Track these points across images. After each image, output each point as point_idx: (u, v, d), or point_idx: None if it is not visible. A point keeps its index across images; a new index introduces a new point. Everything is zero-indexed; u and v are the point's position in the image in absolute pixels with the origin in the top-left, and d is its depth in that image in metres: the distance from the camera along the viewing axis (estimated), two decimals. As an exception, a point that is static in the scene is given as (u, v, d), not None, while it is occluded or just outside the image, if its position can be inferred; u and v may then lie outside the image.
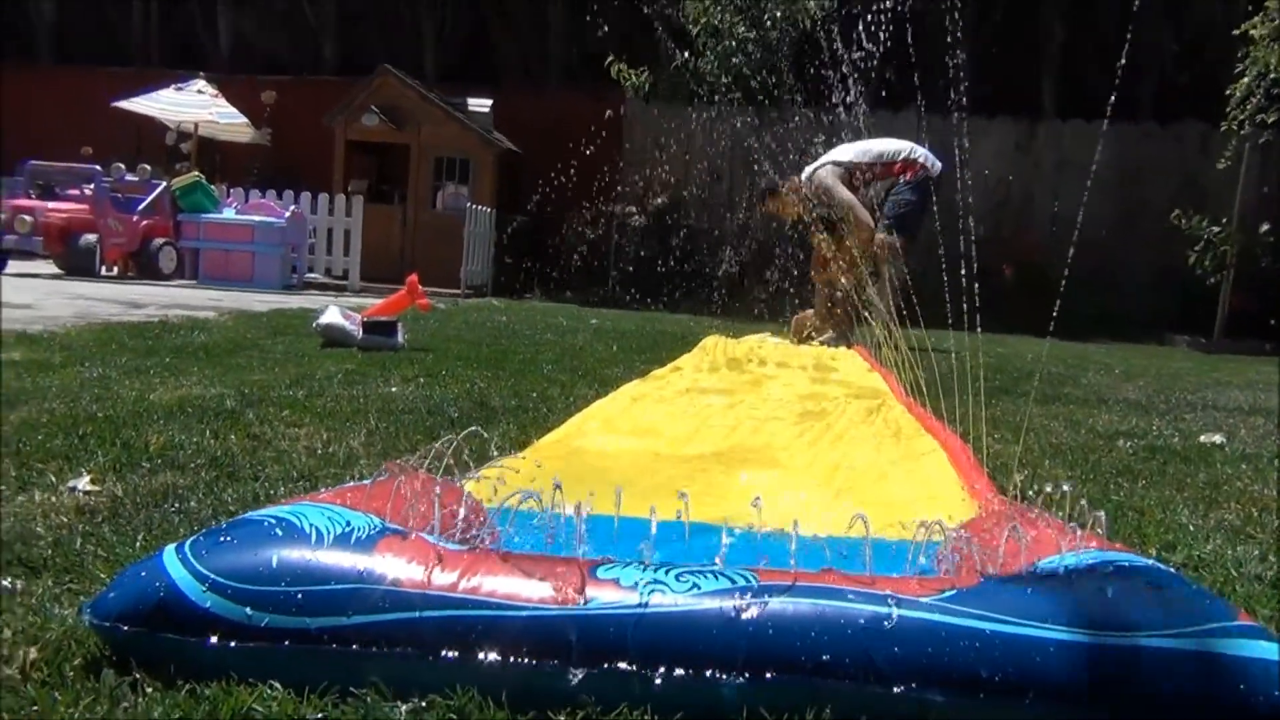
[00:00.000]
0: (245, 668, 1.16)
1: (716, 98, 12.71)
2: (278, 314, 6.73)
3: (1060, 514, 1.57)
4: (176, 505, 1.90)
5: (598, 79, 13.83)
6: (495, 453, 2.26)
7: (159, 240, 10.53)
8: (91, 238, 9.94)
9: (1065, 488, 1.57)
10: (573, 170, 13.31)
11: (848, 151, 6.78)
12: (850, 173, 6.62)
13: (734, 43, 12.60)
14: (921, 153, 6.64)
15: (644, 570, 1.25)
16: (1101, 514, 1.51)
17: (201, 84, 12.98)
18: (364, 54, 16.55)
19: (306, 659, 1.17)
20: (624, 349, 5.78)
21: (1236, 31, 9.53)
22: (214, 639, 1.17)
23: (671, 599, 1.20)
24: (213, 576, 1.21)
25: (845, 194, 6.50)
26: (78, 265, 9.82)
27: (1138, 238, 11.82)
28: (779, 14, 12.54)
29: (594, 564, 1.27)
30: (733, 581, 1.23)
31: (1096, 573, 1.27)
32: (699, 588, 1.22)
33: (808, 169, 6.84)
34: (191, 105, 12.66)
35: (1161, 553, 1.94)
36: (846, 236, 6.37)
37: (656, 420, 3.11)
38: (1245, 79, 9.37)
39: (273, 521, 1.30)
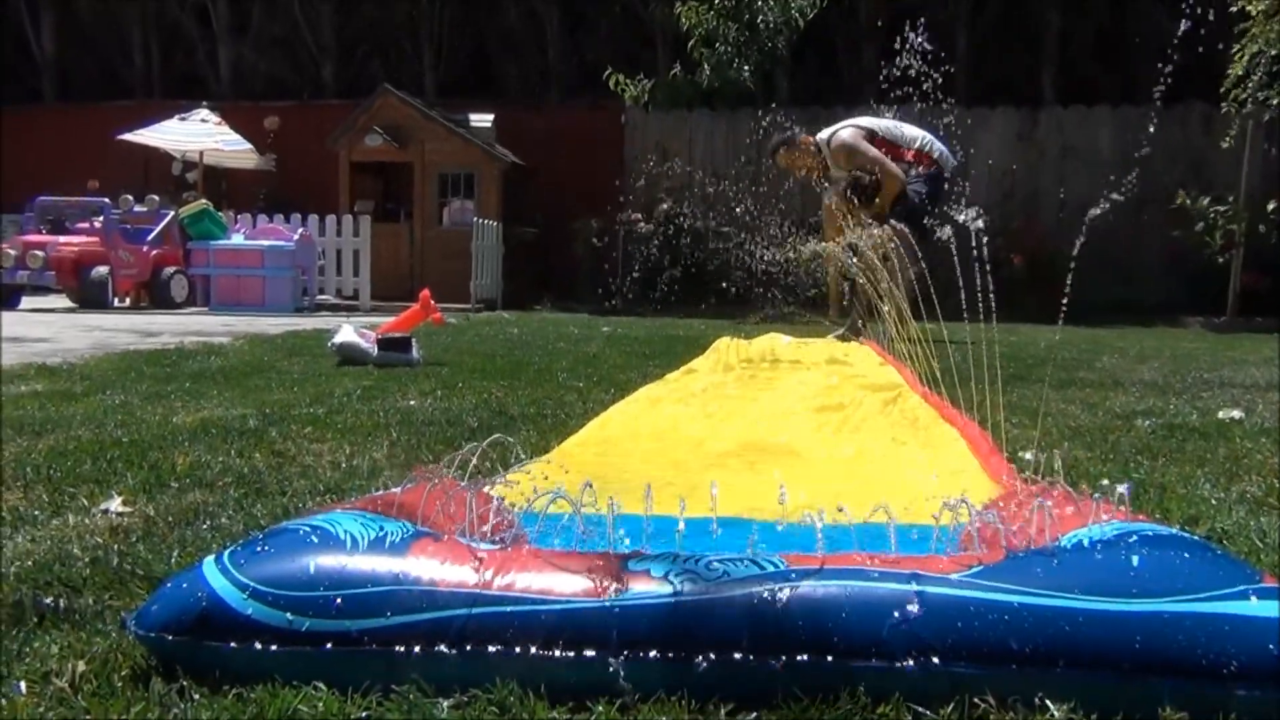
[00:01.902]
0: (289, 671, 1.19)
1: (716, 104, 12.77)
2: (292, 336, 6.78)
3: (1082, 490, 1.59)
4: (208, 522, 1.93)
5: (597, 89, 13.90)
6: (518, 459, 2.28)
7: (170, 269, 10.62)
8: (104, 270, 10.02)
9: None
10: (577, 180, 13.39)
11: (870, 121, 6.77)
12: (871, 137, 6.60)
13: (729, 48, 12.64)
14: (938, 147, 6.63)
15: (674, 561, 1.27)
16: (1123, 487, 1.53)
17: (205, 113, 13.10)
18: (364, 76, 16.69)
19: (348, 661, 1.19)
20: (637, 354, 5.81)
21: (1234, 8, 9.51)
22: (257, 645, 1.20)
23: (703, 587, 1.22)
24: (253, 584, 1.23)
25: (872, 150, 6.46)
26: (91, 298, 9.90)
27: (1146, 220, 11.78)
28: (771, 16, 12.58)
29: (625, 557, 1.29)
30: (761, 568, 1.25)
31: (1121, 543, 1.28)
32: (729, 575, 1.24)
33: (824, 132, 6.79)
34: (196, 134, 12.77)
35: (1185, 526, 1.95)
36: (866, 201, 6.34)
37: (676, 420, 3.13)
38: (1244, 57, 9.35)
39: (308, 530, 1.33)
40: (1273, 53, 9.15)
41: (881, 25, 14.78)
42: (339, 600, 1.22)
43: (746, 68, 12.62)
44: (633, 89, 13.14)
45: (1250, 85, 9.36)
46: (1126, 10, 14.81)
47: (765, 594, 1.20)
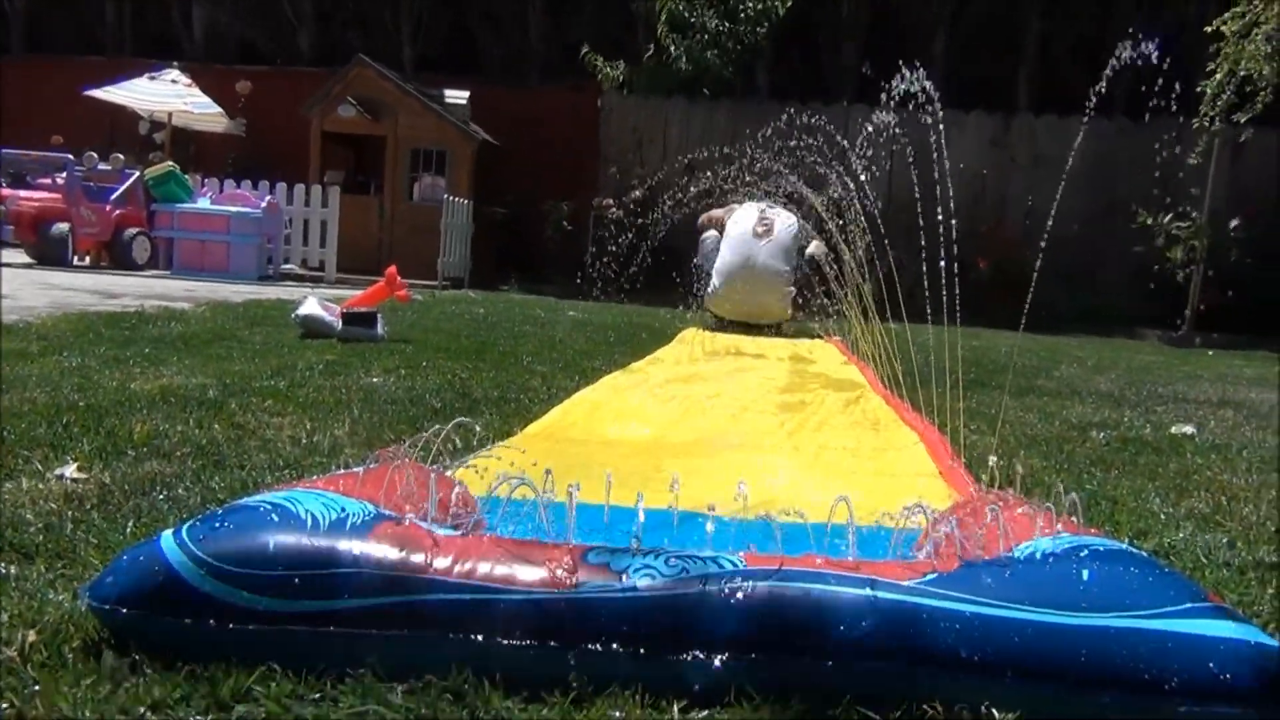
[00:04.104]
0: (243, 650, 1.18)
1: (696, 91, 12.74)
2: (254, 305, 6.71)
3: (1036, 501, 1.62)
4: (165, 493, 1.91)
5: (575, 72, 13.83)
6: (480, 443, 2.28)
7: (132, 230, 10.46)
8: (64, 227, 9.85)
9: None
10: (550, 162, 13.33)
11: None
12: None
13: (705, 36, 12.62)
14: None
15: (633, 555, 1.28)
16: (1075, 497, 1.56)
17: (175, 74, 12.88)
18: (341, 45, 16.48)
19: (304, 641, 1.20)
20: (603, 341, 5.81)
21: (1209, 28, 9.64)
22: (212, 621, 1.19)
23: (661, 583, 1.23)
24: (210, 560, 1.22)
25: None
26: (50, 255, 9.73)
27: (1111, 232, 11.94)
28: (750, 6, 12.57)
29: (585, 549, 1.30)
30: (720, 566, 1.26)
31: (1071, 556, 1.31)
32: (687, 571, 1.25)
33: (784, 220, 6.92)
34: (165, 95, 12.56)
35: (1134, 540, 1.99)
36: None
37: (640, 410, 3.14)
38: (1218, 75, 9.48)
39: (269, 507, 1.32)
40: (1243, 73, 9.28)
41: (860, 20, 14.86)
42: (297, 580, 1.22)
43: (716, 54, 12.56)
44: (610, 71, 13.08)
45: (1220, 104, 9.49)
46: (1105, 22, 14.96)
47: (723, 592, 1.22)
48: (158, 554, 1.24)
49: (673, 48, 12.66)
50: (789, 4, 12.57)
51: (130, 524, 1.70)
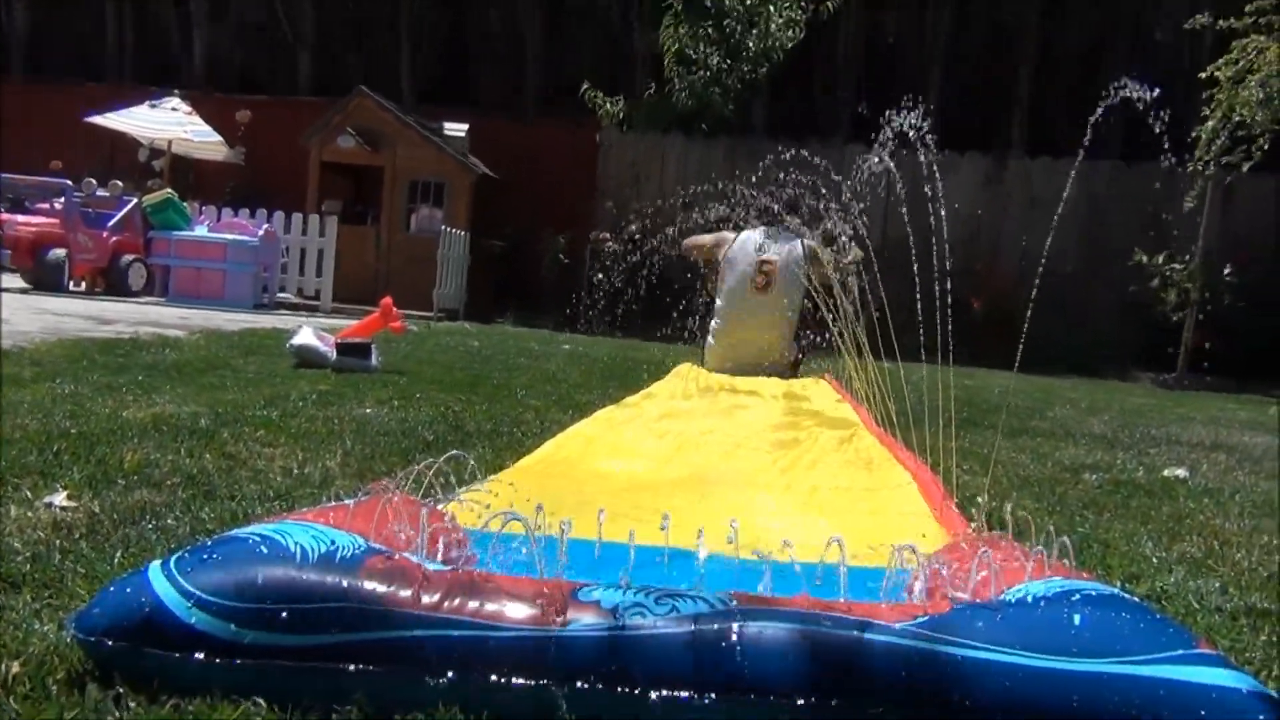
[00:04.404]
0: (229, 684, 1.17)
1: (695, 127, 12.82)
2: (249, 333, 6.71)
3: (1028, 543, 1.61)
4: (154, 523, 1.90)
5: (575, 107, 13.94)
6: (473, 476, 2.28)
7: (129, 256, 10.47)
8: (60, 252, 9.86)
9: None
10: (548, 196, 13.40)
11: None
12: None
13: (708, 73, 12.73)
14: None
15: (624, 593, 1.28)
16: (1066, 540, 1.55)
17: (176, 101, 12.94)
18: (340, 74, 16.61)
19: (290, 676, 1.19)
20: (597, 375, 5.81)
21: (1204, 74, 9.75)
22: (199, 655, 1.18)
23: (651, 621, 1.23)
24: (198, 593, 1.22)
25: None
26: (46, 280, 9.73)
27: (1104, 274, 12.01)
28: (752, 45, 12.68)
29: (575, 586, 1.29)
30: (711, 605, 1.26)
31: (1063, 601, 1.31)
32: (678, 611, 1.25)
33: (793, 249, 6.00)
34: (165, 122, 12.61)
35: (1126, 584, 1.98)
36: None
37: (633, 445, 3.14)
38: (1211, 121, 9.58)
39: (258, 539, 1.32)
40: (1238, 119, 9.38)
41: (855, 61, 14.99)
42: (285, 614, 1.21)
43: (717, 91, 12.67)
44: (609, 106, 13.18)
45: (1215, 149, 9.58)
46: (1099, 66, 15.13)
47: (713, 632, 1.21)
48: (145, 585, 1.23)
49: (677, 81, 12.76)
50: (794, 43, 12.68)
51: (118, 554, 1.69)
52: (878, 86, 13.98)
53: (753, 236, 5.90)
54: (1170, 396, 8.61)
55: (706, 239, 6.22)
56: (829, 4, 12.70)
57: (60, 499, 1.99)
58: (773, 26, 12.63)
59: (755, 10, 12.73)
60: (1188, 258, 10.93)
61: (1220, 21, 9.68)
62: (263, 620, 1.20)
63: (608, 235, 12.60)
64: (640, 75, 15.24)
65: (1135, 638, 1.22)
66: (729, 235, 6.04)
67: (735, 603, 1.26)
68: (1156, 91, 2.91)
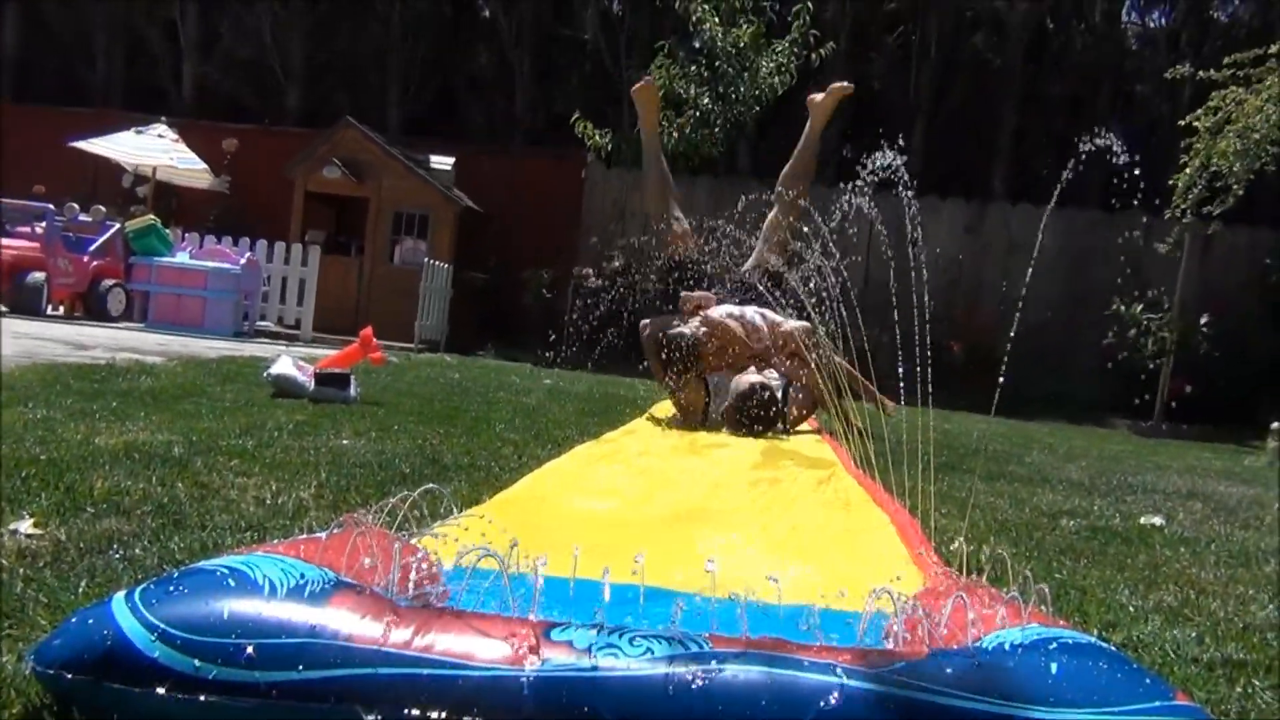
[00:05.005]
0: (190, 720, 1.15)
1: (682, 166, 12.88)
2: (228, 361, 6.66)
3: (1005, 590, 1.60)
4: (121, 552, 1.87)
5: (560, 141, 14.01)
6: (448, 511, 2.25)
7: (109, 281, 10.41)
8: (39, 276, 9.80)
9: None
10: (532, 230, 13.43)
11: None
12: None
13: (699, 113, 12.82)
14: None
15: (598, 633, 1.26)
16: (1044, 588, 1.54)
17: (162, 128, 12.95)
18: (328, 106, 16.67)
19: (254, 713, 1.16)
20: (577, 411, 5.79)
21: (1182, 123, 9.89)
22: (161, 690, 1.15)
23: (625, 662, 1.21)
24: (162, 626, 1.19)
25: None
26: (24, 303, 9.65)
27: (1083, 320, 12.12)
28: (743, 89, 12.79)
29: (548, 625, 1.28)
30: (685, 647, 1.24)
31: (1040, 649, 1.30)
32: (652, 652, 1.23)
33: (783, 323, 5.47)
34: (151, 149, 12.60)
35: (1102, 632, 1.97)
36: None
37: (612, 482, 3.12)
38: (1188, 170, 9.70)
39: (225, 571, 1.29)
40: (1214, 168, 9.50)
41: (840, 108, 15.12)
42: (250, 650, 1.18)
43: (706, 133, 12.77)
44: (598, 138, 13.25)
45: (1192, 198, 9.69)
46: (1079, 115, 15.35)
47: (687, 675, 1.19)
48: (107, 618, 1.20)
49: (671, 127, 12.84)
50: (786, 88, 12.77)
51: (83, 583, 1.66)
52: (862, 131, 14.12)
53: (733, 310, 5.43)
54: (1147, 444, 8.65)
55: (696, 296, 5.56)
56: (821, 51, 12.83)
57: (26, 526, 1.95)
58: (763, 71, 12.75)
59: (746, 55, 12.85)
60: (1166, 306, 11.04)
61: (1200, 72, 9.84)
62: (227, 655, 1.17)
63: (590, 271, 12.63)
64: (628, 112, 15.35)
65: (1114, 688, 1.21)
66: (714, 299, 5.54)
67: (710, 644, 1.25)
68: (1127, 150, 2.96)
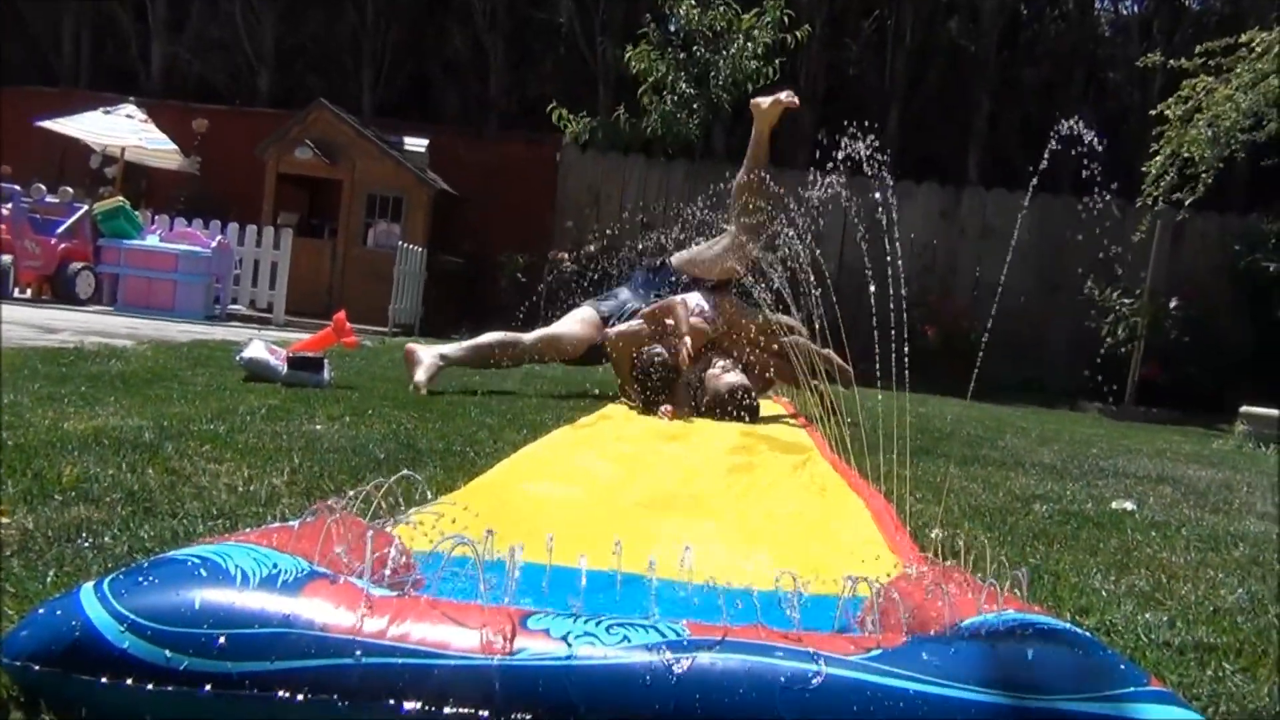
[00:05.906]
0: (161, 712, 1.13)
1: (658, 149, 12.85)
2: (199, 345, 6.59)
3: (980, 575, 1.61)
4: (90, 541, 1.84)
5: (536, 125, 13.93)
6: (423, 497, 2.24)
7: (77, 264, 10.27)
8: (6, 259, 9.66)
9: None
10: (507, 214, 13.36)
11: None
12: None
13: (677, 98, 12.77)
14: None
15: (575, 621, 1.25)
16: (1022, 573, 1.55)
17: (131, 109, 12.75)
18: (300, 89, 16.49)
19: (227, 705, 1.14)
20: (553, 395, 5.77)
21: (1153, 112, 9.96)
22: (130, 681, 1.14)
23: (601, 651, 1.20)
24: (131, 617, 1.17)
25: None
26: (-11, 286, 9.53)
27: (1056, 305, 12.23)
28: (724, 74, 12.75)
29: (525, 614, 1.27)
30: (663, 635, 1.24)
31: (1016, 635, 1.30)
32: (629, 640, 1.22)
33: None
34: (119, 129, 12.41)
35: (1076, 617, 1.99)
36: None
37: (587, 467, 3.11)
38: (1160, 157, 9.78)
39: (196, 561, 1.28)
40: (1185, 156, 9.58)
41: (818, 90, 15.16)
42: (222, 640, 1.17)
43: (694, 120, 12.73)
44: (574, 124, 13.19)
45: (1163, 185, 9.77)
46: (1053, 101, 15.42)
47: (663, 663, 1.19)
48: (75, 608, 1.18)
49: (652, 111, 12.79)
50: (769, 77, 12.71)
51: (51, 573, 1.63)
52: (837, 115, 14.12)
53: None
54: (1118, 427, 8.73)
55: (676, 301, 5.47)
56: (797, 34, 12.80)
57: (-8, 514, 1.92)
58: (744, 51, 12.70)
59: (724, 37, 12.81)
60: (1138, 292, 11.14)
61: (1171, 61, 9.90)
62: (198, 646, 1.16)
63: (565, 255, 12.59)
64: (604, 94, 15.29)
65: (1089, 674, 1.21)
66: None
67: (688, 632, 1.24)
68: (1098, 136, 2.97)
